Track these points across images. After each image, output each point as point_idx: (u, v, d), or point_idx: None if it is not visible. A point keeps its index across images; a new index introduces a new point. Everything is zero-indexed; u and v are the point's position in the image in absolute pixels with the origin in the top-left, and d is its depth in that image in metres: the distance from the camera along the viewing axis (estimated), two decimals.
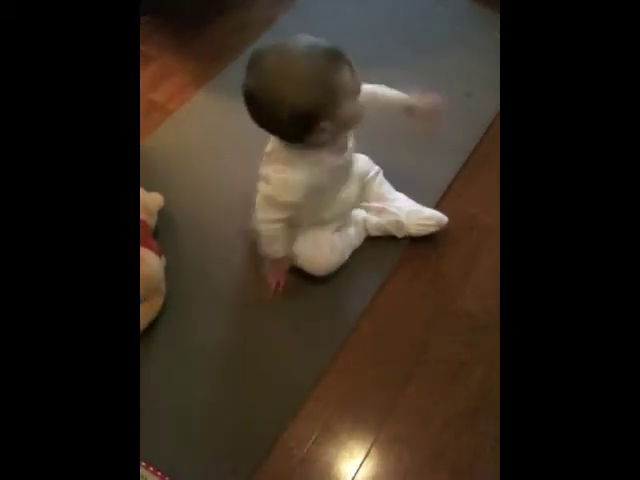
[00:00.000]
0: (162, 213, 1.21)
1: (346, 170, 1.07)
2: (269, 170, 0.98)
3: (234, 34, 1.63)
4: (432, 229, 1.20)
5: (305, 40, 0.88)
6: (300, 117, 0.87)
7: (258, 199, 1.02)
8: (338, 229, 1.15)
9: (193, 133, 1.41)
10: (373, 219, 1.20)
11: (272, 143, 1.01)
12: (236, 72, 1.48)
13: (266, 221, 1.02)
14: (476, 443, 1.00)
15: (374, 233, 1.21)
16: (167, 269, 1.13)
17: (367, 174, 1.22)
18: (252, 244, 1.17)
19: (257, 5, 1.73)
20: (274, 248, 1.07)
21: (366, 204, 1.22)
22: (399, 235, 1.20)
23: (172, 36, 1.61)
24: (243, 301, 1.16)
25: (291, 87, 0.86)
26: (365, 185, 1.22)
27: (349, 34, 1.58)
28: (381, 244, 1.21)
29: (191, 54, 1.58)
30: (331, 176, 1.02)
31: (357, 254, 1.19)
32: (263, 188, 1.00)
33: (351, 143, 1.04)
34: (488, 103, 1.46)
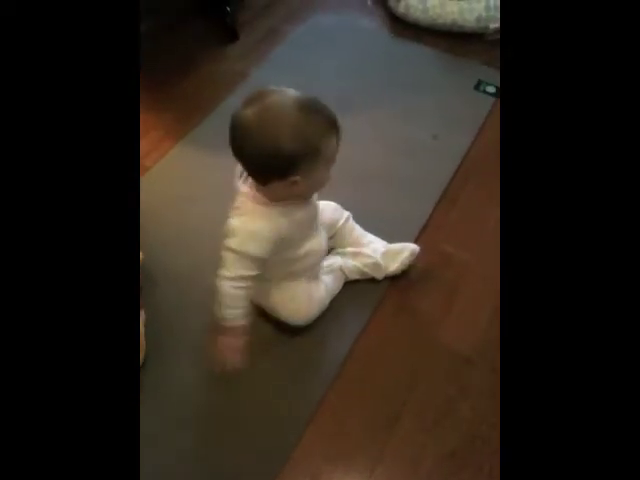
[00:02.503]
0: (142, 268, 1.21)
1: (311, 221, 1.08)
2: (236, 222, 0.98)
3: (207, 88, 1.67)
4: (407, 261, 1.22)
5: (310, 97, 0.92)
6: (280, 159, 0.89)
7: (224, 254, 0.98)
8: (313, 277, 1.15)
9: (170, 188, 1.42)
10: (350, 263, 1.21)
11: (239, 198, 1.01)
12: (210, 126, 1.55)
13: (232, 279, 0.97)
14: None
15: (353, 277, 1.22)
16: (148, 324, 1.12)
17: (337, 222, 1.24)
18: None
19: (228, 59, 1.78)
20: (235, 312, 0.99)
21: (342, 250, 1.24)
22: (378, 277, 1.22)
23: (145, 93, 1.64)
24: None
25: (285, 131, 0.88)
26: (337, 233, 1.24)
27: (320, 83, 1.64)
28: (360, 286, 1.22)
29: (165, 110, 1.62)
30: (297, 228, 1.02)
31: (336, 298, 1.20)
32: (229, 242, 0.97)
33: (315, 196, 1.06)
34: (454, 144, 1.52)
